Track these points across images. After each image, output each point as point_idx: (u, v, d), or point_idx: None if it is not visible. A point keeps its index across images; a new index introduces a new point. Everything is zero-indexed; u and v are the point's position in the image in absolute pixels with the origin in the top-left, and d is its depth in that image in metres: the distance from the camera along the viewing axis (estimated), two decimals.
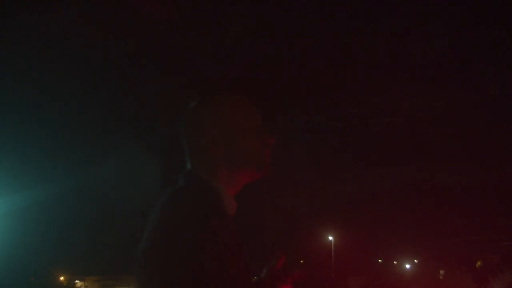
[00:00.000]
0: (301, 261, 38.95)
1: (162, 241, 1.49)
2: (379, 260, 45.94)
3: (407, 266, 44.56)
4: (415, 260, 44.46)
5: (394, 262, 46.29)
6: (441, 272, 26.08)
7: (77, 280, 36.67)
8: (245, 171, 1.71)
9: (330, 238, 40.18)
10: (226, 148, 1.68)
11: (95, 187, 34.03)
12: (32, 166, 30.51)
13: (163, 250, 1.47)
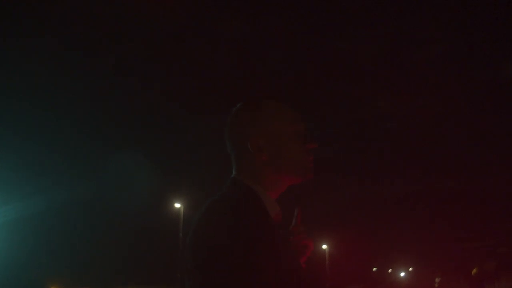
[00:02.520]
0: None
1: (204, 248, 1.51)
2: (374, 269, 45.80)
3: (402, 274, 44.49)
4: (410, 268, 44.40)
5: (389, 270, 46.22)
6: (437, 279, 25.95)
7: None
8: (288, 176, 1.75)
9: (324, 246, 40.02)
10: (271, 153, 1.72)
11: (90, 199, 33.91)
12: (23, 178, 30.32)
13: (206, 256, 1.50)
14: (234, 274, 1.46)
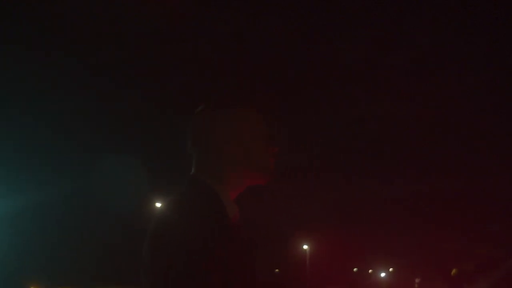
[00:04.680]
0: (276, 270, 38.85)
1: (162, 247, 1.52)
2: (355, 269, 45.96)
3: (382, 274, 44.69)
4: (390, 269, 44.61)
5: (370, 270, 46.39)
6: (417, 280, 26.15)
7: None
8: (249, 176, 1.76)
9: (305, 247, 40.09)
10: (233, 153, 1.73)
11: (72, 197, 33.67)
12: (4, 176, 30.01)
13: (163, 255, 1.50)
14: (182, 281, 1.46)
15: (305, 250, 40.02)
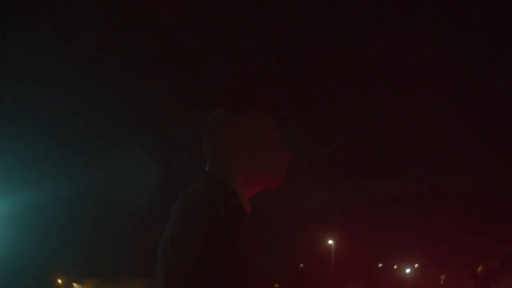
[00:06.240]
0: (301, 265, 38.82)
1: (182, 240, 1.52)
2: (380, 265, 45.74)
3: (408, 270, 44.39)
4: (415, 265, 44.31)
5: (395, 266, 46.12)
6: (442, 277, 25.91)
7: (74, 283, 36.50)
8: (260, 178, 1.79)
9: (330, 242, 39.99)
10: (247, 156, 1.77)
11: (94, 189, 33.96)
12: (29, 169, 30.40)
13: (182, 248, 1.51)
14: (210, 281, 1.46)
15: (330, 245, 39.93)
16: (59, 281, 35.11)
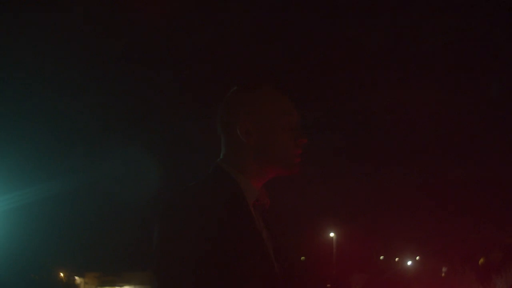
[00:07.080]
0: (302, 257, 38.84)
1: (173, 231, 1.51)
2: (381, 257, 45.78)
3: (409, 262, 44.43)
4: (417, 257, 44.33)
5: (396, 258, 46.14)
6: (443, 269, 25.93)
7: (76, 276, 36.53)
8: (272, 167, 1.71)
9: (332, 234, 40.01)
10: (258, 140, 1.68)
11: (96, 184, 33.99)
12: (32, 164, 30.42)
13: (169, 241, 1.50)
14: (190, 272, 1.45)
15: (332, 237, 39.96)
16: (61, 274, 35.15)
